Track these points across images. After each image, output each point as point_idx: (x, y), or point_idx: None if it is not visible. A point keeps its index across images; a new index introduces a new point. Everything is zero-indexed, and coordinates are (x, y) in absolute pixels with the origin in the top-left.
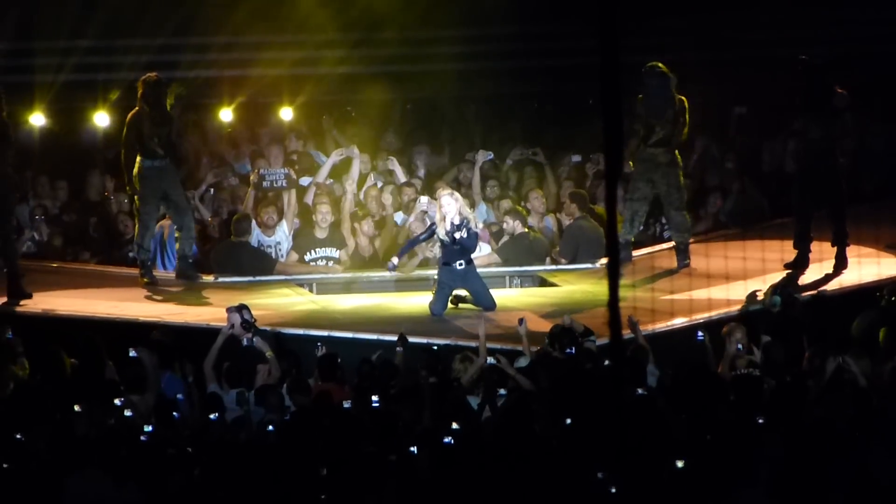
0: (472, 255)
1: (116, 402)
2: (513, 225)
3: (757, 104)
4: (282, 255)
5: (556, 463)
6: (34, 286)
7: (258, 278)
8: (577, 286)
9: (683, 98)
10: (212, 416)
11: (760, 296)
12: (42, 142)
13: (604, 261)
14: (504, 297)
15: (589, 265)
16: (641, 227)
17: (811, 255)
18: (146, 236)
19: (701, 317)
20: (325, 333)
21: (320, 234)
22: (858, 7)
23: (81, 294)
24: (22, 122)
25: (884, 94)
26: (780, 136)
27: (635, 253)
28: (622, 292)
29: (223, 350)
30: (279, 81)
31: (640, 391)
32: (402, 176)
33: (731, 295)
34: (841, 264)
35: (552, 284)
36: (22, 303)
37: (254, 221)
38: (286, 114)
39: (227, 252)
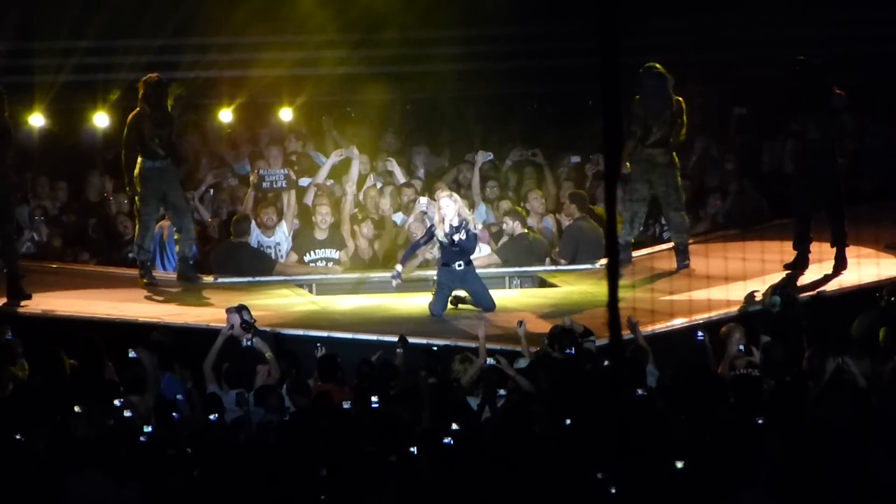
0: (472, 256)
1: (116, 402)
2: (512, 226)
3: (757, 105)
4: (281, 256)
5: (556, 463)
6: (34, 287)
7: (258, 279)
8: (577, 287)
9: (681, 99)
10: (212, 417)
11: (759, 296)
12: (42, 142)
13: (603, 261)
14: (504, 297)
15: (588, 266)
16: (641, 228)
17: (811, 256)
18: (146, 237)
19: (700, 317)
20: (324, 334)
21: (320, 235)
22: (858, 7)
23: (81, 295)
24: (22, 123)
25: (884, 95)
26: (779, 136)
27: (635, 254)
28: (622, 293)
29: (223, 351)
30: (279, 82)
31: (639, 392)
32: (401, 177)
33: (730, 295)
34: (840, 265)
35: (552, 285)
36: (21, 304)
37: (253, 222)
38: (286, 114)
39: (227, 253)
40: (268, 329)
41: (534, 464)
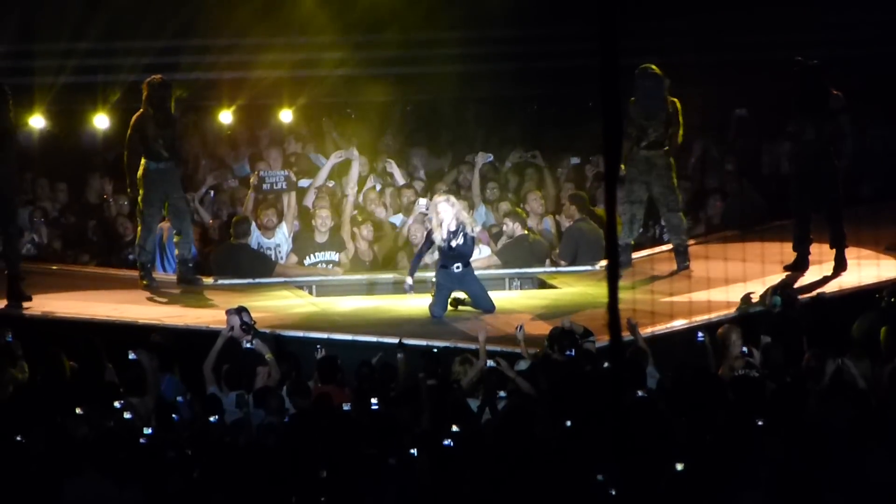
0: (472, 258)
1: (116, 404)
2: (512, 227)
3: (757, 106)
4: (281, 258)
5: (556, 465)
6: (34, 289)
7: (258, 280)
8: (577, 288)
9: (676, 100)
10: (212, 419)
11: (756, 297)
12: (42, 144)
13: (603, 263)
14: (504, 298)
15: (588, 267)
16: (641, 230)
17: (811, 258)
18: (149, 238)
19: (701, 318)
20: (324, 336)
21: (320, 238)
22: (859, 9)
23: (81, 296)
24: (22, 125)
25: (883, 97)
26: (779, 138)
27: (635, 255)
28: (622, 294)
29: (223, 352)
30: (279, 83)
31: (640, 393)
32: (400, 178)
33: (730, 297)
34: (840, 266)
35: (552, 286)
36: (21, 305)
37: (253, 224)
38: (286, 116)
39: (227, 254)
40: (268, 331)
41: (534, 465)
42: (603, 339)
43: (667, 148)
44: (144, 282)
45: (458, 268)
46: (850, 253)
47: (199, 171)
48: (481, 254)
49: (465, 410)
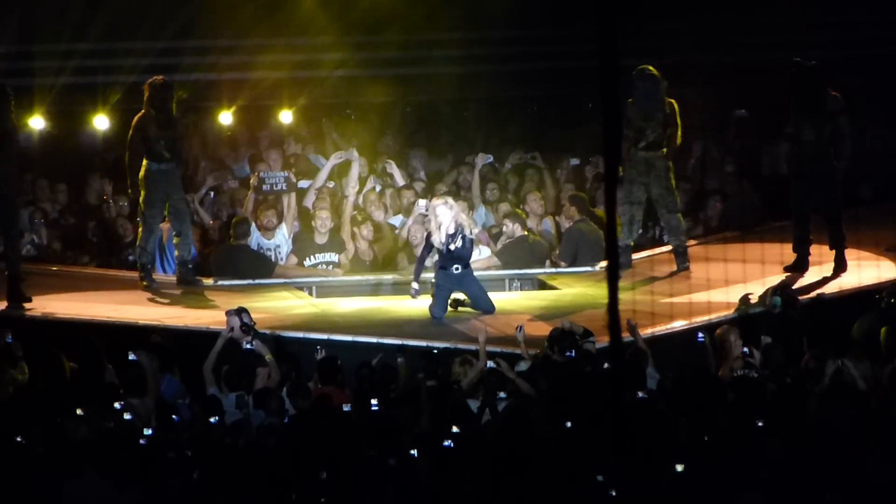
0: (472, 258)
1: (116, 405)
2: (512, 228)
3: (757, 107)
4: (281, 259)
5: (556, 466)
6: (34, 290)
7: (258, 281)
8: (577, 289)
9: (673, 101)
10: (212, 420)
11: (753, 298)
12: (42, 145)
13: (603, 264)
14: (504, 299)
15: (588, 268)
16: (640, 231)
17: (811, 259)
18: (150, 240)
19: (700, 319)
20: (324, 337)
21: (320, 239)
22: (859, 10)
23: (81, 297)
24: (22, 125)
25: (883, 97)
26: (778, 139)
27: (635, 256)
28: (622, 295)
29: (222, 353)
30: (279, 84)
31: (640, 394)
32: (400, 179)
33: (730, 298)
34: (840, 267)
35: (552, 287)
36: (22, 306)
37: (253, 225)
38: (286, 117)
39: (227, 255)
40: (268, 332)
41: (534, 466)
42: (603, 340)
43: (665, 149)
44: (144, 283)
45: (456, 269)
46: (850, 254)
47: (199, 173)
48: (481, 255)
49: (465, 411)
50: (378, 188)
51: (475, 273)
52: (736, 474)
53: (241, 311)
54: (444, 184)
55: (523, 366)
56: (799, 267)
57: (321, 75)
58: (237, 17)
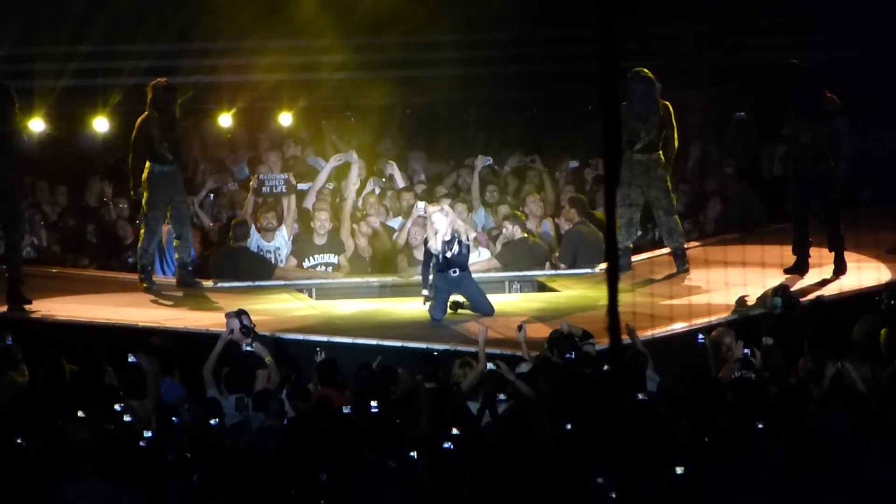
0: (472, 260)
1: (116, 407)
2: (512, 230)
3: (757, 109)
4: (281, 261)
5: (556, 468)
6: (34, 292)
7: (257, 283)
8: (577, 291)
9: (668, 103)
10: (212, 422)
11: (750, 300)
12: (42, 147)
13: (603, 266)
14: (503, 301)
15: (588, 270)
16: (640, 233)
17: (810, 260)
18: (152, 241)
19: (700, 322)
20: (324, 339)
21: (318, 240)
22: (859, 12)
23: (81, 300)
24: (22, 128)
25: (883, 99)
26: (776, 141)
27: (634, 258)
28: (621, 297)
29: (222, 355)
30: (279, 87)
31: (640, 396)
32: (401, 180)
33: (730, 300)
34: (840, 269)
35: (551, 289)
36: (21, 309)
37: (253, 226)
38: (285, 119)
39: (226, 257)
40: (267, 334)
41: (534, 468)
42: (603, 342)
43: (660, 151)
44: (144, 284)
45: (454, 272)
46: (850, 256)
47: (199, 175)
48: (480, 256)
49: (464, 413)
50: (377, 191)
51: (475, 275)
52: (736, 476)
53: (240, 314)
54: (443, 186)
55: (524, 367)
56: (799, 269)
57: (321, 77)
58: (236, 20)
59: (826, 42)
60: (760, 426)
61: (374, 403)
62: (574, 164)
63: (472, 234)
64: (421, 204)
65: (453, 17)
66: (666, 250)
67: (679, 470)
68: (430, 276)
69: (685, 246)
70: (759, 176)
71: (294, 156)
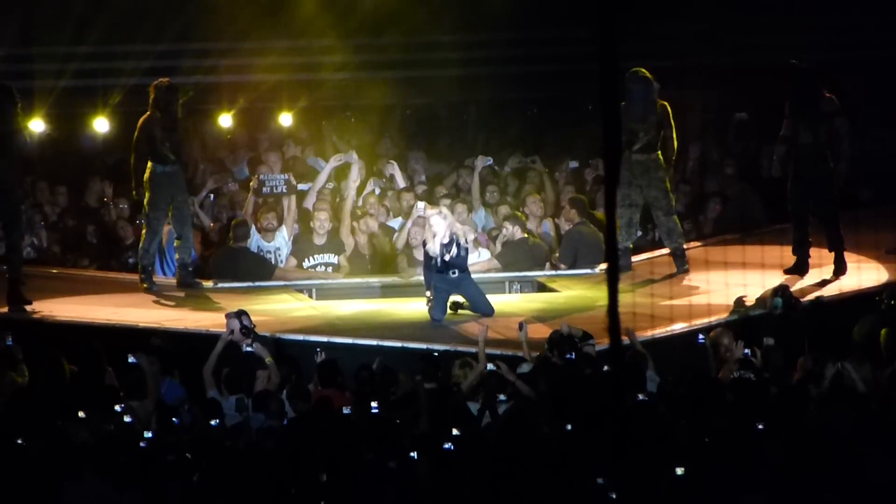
0: (472, 261)
1: (116, 407)
2: (512, 230)
3: (757, 109)
4: (281, 261)
5: (557, 469)
6: (34, 293)
7: (257, 284)
8: (577, 292)
9: (666, 103)
10: (212, 423)
11: (748, 301)
12: (42, 147)
13: (603, 266)
14: (503, 302)
15: (588, 270)
16: (640, 233)
17: (810, 261)
18: (154, 241)
19: (700, 322)
20: (324, 339)
21: (318, 240)
22: (859, 13)
23: (81, 300)
24: (23, 128)
25: (883, 100)
26: (775, 141)
27: (635, 259)
28: (622, 298)
29: (222, 356)
30: (279, 87)
31: (640, 397)
32: (401, 181)
33: (730, 300)
34: (840, 269)
35: (551, 290)
36: (22, 309)
37: (253, 227)
38: (285, 119)
39: (226, 257)
40: (268, 334)
41: (534, 469)
42: (603, 343)
43: (659, 151)
44: (145, 285)
45: (453, 273)
46: (850, 256)
47: (198, 175)
48: (480, 257)
49: (465, 414)
50: (377, 191)
51: (475, 275)
52: (736, 477)
53: (240, 314)
54: (443, 186)
55: (525, 368)
56: (799, 269)
57: (321, 78)
58: (237, 20)
59: (826, 42)
60: (760, 427)
61: (374, 404)
62: (574, 164)
63: (471, 236)
64: (421, 204)
65: (453, 17)
66: (666, 251)
67: (679, 470)
68: (432, 277)
69: (684, 246)
70: (759, 176)
71: (294, 156)
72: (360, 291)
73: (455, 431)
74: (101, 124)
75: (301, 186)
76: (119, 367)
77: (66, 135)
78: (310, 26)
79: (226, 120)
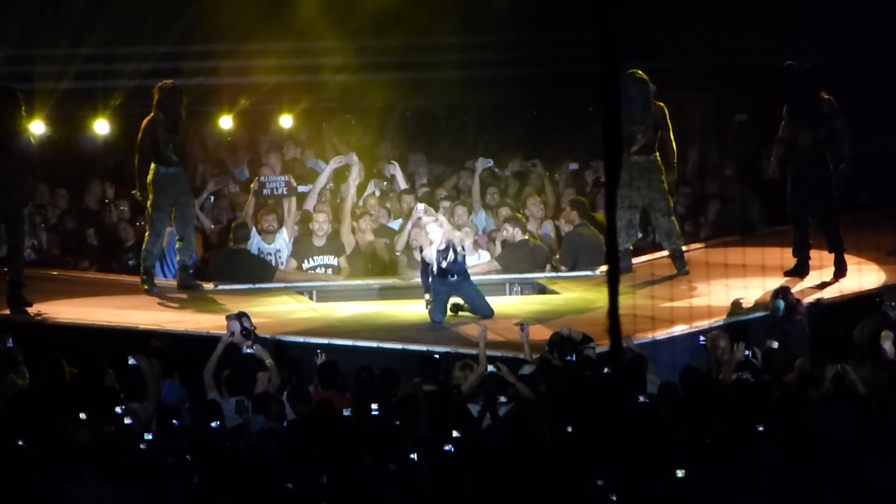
0: (472, 263)
1: (117, 409)
2: (512, 232)
3: (757, 111)
4: (282, 263)
5: (557, 471)
6: (34, 294)
7: (258, 286)
8: (577, 293)
9: (662, 105)
10: (212, 424)
11: (746, 303)
12: (42, 149)
13: (604, 268)
14: (504, 304)
15: (588, 272)
16: (640, 235)
17: (811, 263)
18: (157, 243)
19: (701, 324)
20: (325, 341)
21: (318, 242)
22: (860, 15)
23: (81, 302)
24: (25, 130)
25: (883, 102)
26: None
27: (635, 261)
28: (622, 300)
29: (223, 358)
30: (279, 89)
31: (640, 399)
32: (402, 182)
33: (731, 302)
34: (840, 271)
35: (552, 292)
36: (22, 311)
37: (254, 229)
38: (286, 121)
39: (226, 259)
40: (268, 336)
41: (535, 471)
42: (603, 345)
43: (657, 153)
44: (146, 286)
45: (452, 276)
46: (851, 258)
47: (198, 177)
48: (481, 259)
49: (465, 416)
50: (378, 193)
51: (475, 278)
52: (736, 478)
53: (241, 316)
54: (444, 188)
55: (527, 370)
56: (799, 271)
57: (322, 79)
58: (237, 22)
59: (826, 44)
60: (761, 428)
61: (374, 406)
62: (574, 166)
63: (469, 242)
64: (420, 206)
65: (453, 19)
66: (666, 252)
67: (680, 472)
68: (430, 280)
69: (683, 248)
70: (759, 178)
71: (294, 158)
72: (360, 293)
73: (455, 433)
74: (101, 126)
75: (301, 188)
76: (119, 368)
77: (66, 137)
78: (310, 28)
79: (226, 122)
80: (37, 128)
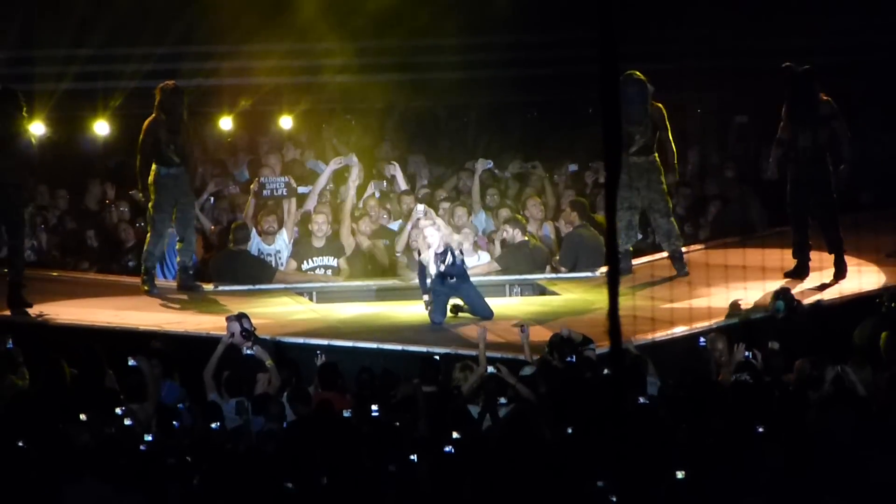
0: (472, 264)
1: (117, 410)
2: (512, 233)
3: (757, 112)
4: (282, 264)
5: (557, 472)
6: (34, 295)
7: (258, 287)
8: (577, 295)
9: (661, 105)
10: (213, 426)
11: (745, 304)
12: (42, 150)
13: (604, 269)
14: (504, 305)
15: (588, 273)
16: (639, 236)
17: (811, 264)
18: (159, 244)
19: (701, 325)
20: (325, 342)
21: (317, 243)
22: (860, 15)
23: (81, 303)
24: (26, 131)
25: (884, 102)
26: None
27: (635, 262)
28: (622, 301)
29: (223, 359)
30: (279, 90)
31: (641, 400)
32: (402, 183)
33: (730, 304)
34: (840, 272)
35: (552, 293)
36: (22, 312)
37: (254, 230)
38: (286, 122)
39: (226, 260)
40: (268, 337)
41: (535, 472)
42: (603, 346)
43: (656, 154)
44: (146, 287)
45: (451, 278)
46: (851, 260)
47: (198, 178)
48: (480, 260)
49: (465, 417)
50: (378, 194)
51: (475, 279)
52: (736, 480)
53: (241, 317)
54: (444, 189)
55: (528, 371)
56: (799, 273)
57: (322, 80)
58: (238, 23)
59: (826, 45)
60: (760, 430)
61: (374, 407)
62: (573, 167)
63: (467, 245)
64: (420, 207)
65: (453, 20)
66: (666, 254)
67: (679, 474)
68: (429, 281)
69: (682, 249)
70: (759, 179)
71: (293, 159)
72: (360, 294)
73: (455, 434)
74: (101, 127)
75: (301, 189)
76: (119, 369)
77: (66, 138)
78: (310, 29)
79: (226, 122)
80: (37, 129)
